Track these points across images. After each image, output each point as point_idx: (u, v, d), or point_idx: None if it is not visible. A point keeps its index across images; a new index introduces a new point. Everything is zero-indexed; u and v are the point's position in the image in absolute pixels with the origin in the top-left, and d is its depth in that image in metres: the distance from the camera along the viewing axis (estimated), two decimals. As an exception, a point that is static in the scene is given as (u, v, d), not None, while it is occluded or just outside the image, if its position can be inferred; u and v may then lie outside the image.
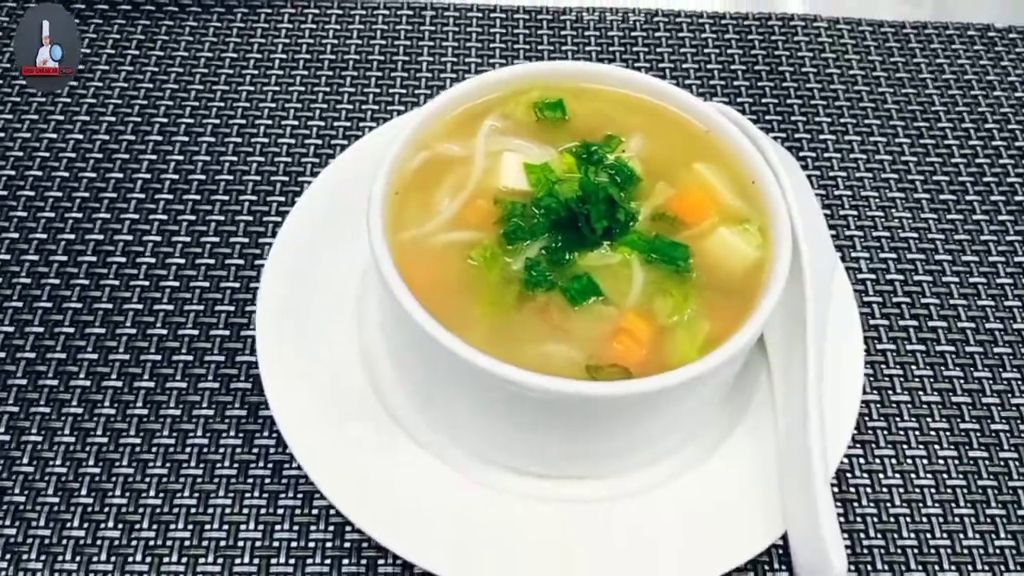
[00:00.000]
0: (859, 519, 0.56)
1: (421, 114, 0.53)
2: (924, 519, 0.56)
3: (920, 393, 0.61)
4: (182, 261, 0.64)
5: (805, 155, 0.73)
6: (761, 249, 0.51)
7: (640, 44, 0.80)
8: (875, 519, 0.56)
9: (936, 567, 0.54)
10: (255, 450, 0.56)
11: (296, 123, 0.72)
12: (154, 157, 0.69)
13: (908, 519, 0.56)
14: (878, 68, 0.80)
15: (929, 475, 0.58)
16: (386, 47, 0.78)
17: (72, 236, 0.65)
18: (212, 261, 0.64)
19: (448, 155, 0.53)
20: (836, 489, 0.56)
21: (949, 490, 0.57)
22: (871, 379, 0.62)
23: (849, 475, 0.58)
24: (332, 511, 0.53)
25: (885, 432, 0.59)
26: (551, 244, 0.50)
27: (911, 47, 0.82)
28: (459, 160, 0.53)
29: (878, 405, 0.61)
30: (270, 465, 0.55)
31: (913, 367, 0.63)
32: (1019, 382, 0.62)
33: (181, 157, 0.69)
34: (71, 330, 0.60)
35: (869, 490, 0.57)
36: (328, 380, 0.53)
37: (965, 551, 0.55)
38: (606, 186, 0.51)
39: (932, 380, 0.62)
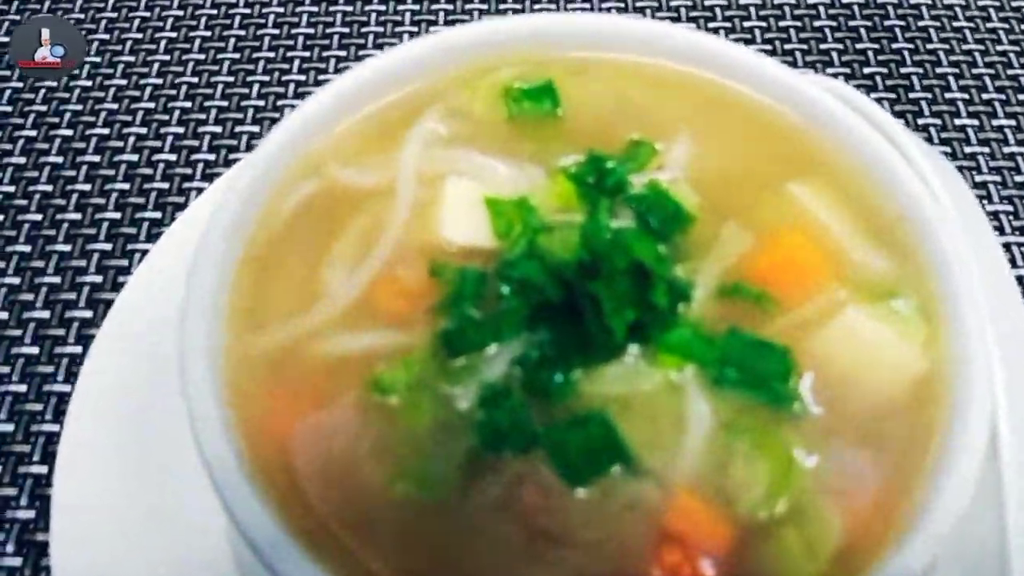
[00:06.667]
0: None
1: (303, 114, 0.30)
2: None
3: None
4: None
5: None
6: (927, 348, 0.27)
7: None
8: None
9: None
10: None
11: (181, 130, 0.50)
12: None
13: None
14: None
15: None
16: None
17: None
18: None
19: (351, 185, 0.32)
20: None
21: None
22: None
23: None
24: None
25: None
26: (530, 352, 0.27)
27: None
28: (369, 195, 0.31)
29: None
30: None
31: None
32: None
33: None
34: None
35: None
36: None
37: None
38: (632, 238, 0.28)
39: None
